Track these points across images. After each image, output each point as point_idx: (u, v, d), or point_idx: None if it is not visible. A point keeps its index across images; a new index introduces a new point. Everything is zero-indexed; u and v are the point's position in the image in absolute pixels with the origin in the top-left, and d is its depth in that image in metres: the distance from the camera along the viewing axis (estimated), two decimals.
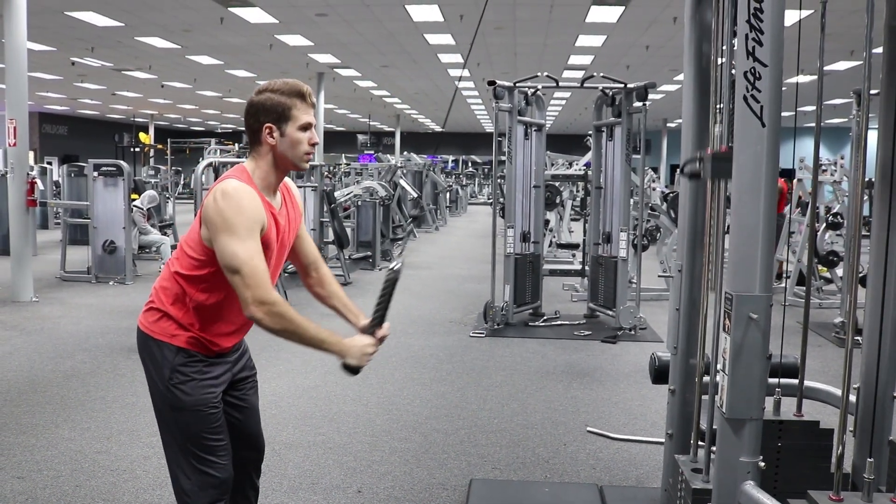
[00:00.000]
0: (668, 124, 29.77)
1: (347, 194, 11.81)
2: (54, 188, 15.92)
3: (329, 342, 2.05)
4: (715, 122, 2.58)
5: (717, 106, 2.53)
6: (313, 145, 2.15)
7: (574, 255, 10.98)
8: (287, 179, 2.26)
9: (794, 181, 9.18)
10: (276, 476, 3.57)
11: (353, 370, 2.08)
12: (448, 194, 22.12)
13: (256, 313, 1.97)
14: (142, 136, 24.17)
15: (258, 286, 1.96)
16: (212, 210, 2.01)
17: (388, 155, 26.88)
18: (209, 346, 2.15)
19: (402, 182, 14.92)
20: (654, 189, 12.45)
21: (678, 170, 2.85)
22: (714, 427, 2.29)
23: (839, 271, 8.15)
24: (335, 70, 17.57)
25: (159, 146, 24.27)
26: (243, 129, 2.21)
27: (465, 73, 17.39)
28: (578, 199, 13.89)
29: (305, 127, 2.11)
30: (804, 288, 3.13)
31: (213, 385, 2.16)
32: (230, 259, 1.97)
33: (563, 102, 24.07)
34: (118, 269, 9.27)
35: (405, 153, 21.53)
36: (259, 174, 2.12)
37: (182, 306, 2.12)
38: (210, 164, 9.06)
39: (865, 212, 7.53)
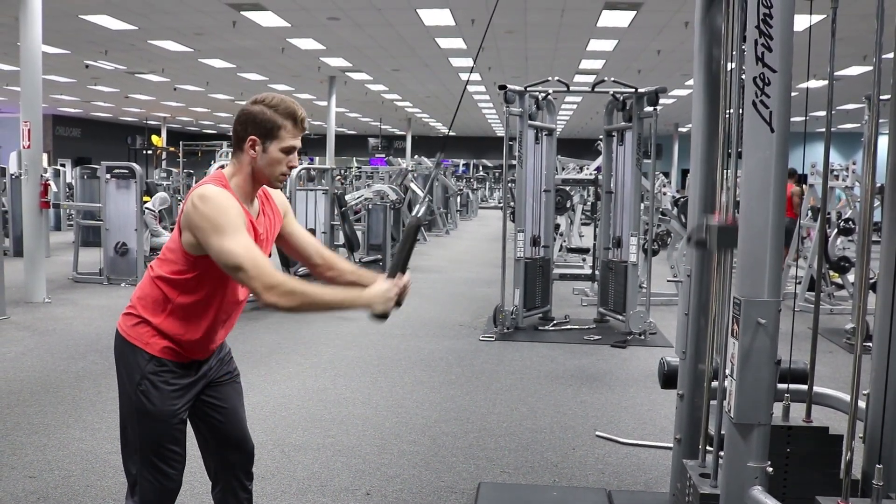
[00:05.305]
0: (680, 129, 29.67)
1: (358, 198, 11.86)
2: (67, 190, 16.06)
3: (350, 299, 2.06)
4: (724, 127, 2.59)
5: (727, 111, 2.53)
6: (290, 168, 2.15)
7: (584, 260, 10.97)
8: (266, 187, 2.26)
9: (806, 186, 9.12)
10: (285, 478, 3.59)
11: (380, 317, 2.08)
12: (459, 198, 22.14)
13: (270, 298, 1.96)
14: (154, 138, 24.27)
15: (263, 274, 1.97)
16: (194, 216, 2.02)
17: (399, 158, 26.93)
18: (183, 356, 2.17)
19: (413, 185, 14.97)
20: (664, 194, 12.42)
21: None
22: (722, 432, 2.29)
23: (851, 277, 8.10)
24: (346, 73, 17.63)
25: (171, 149, 24.38)
26: None
27: (476, 76, 17.39)
28: (589, 203, 13.90)
29: (288, 150, 2.12)
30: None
31: (180, 396, 2.17)
32: (228, 258, 1.98)
33: (574, 107, 24.04)
34: (130, 270, 9.33)
35: (416, 157, 21.56)
36: (236, 182, 2.13)
37: (160, 312, 2.13)
38: (222, 167, 9.10)
39: (877, 217, 7.48)
